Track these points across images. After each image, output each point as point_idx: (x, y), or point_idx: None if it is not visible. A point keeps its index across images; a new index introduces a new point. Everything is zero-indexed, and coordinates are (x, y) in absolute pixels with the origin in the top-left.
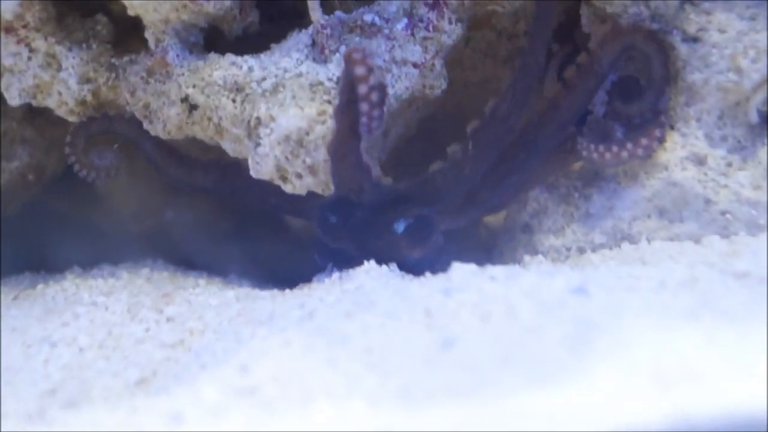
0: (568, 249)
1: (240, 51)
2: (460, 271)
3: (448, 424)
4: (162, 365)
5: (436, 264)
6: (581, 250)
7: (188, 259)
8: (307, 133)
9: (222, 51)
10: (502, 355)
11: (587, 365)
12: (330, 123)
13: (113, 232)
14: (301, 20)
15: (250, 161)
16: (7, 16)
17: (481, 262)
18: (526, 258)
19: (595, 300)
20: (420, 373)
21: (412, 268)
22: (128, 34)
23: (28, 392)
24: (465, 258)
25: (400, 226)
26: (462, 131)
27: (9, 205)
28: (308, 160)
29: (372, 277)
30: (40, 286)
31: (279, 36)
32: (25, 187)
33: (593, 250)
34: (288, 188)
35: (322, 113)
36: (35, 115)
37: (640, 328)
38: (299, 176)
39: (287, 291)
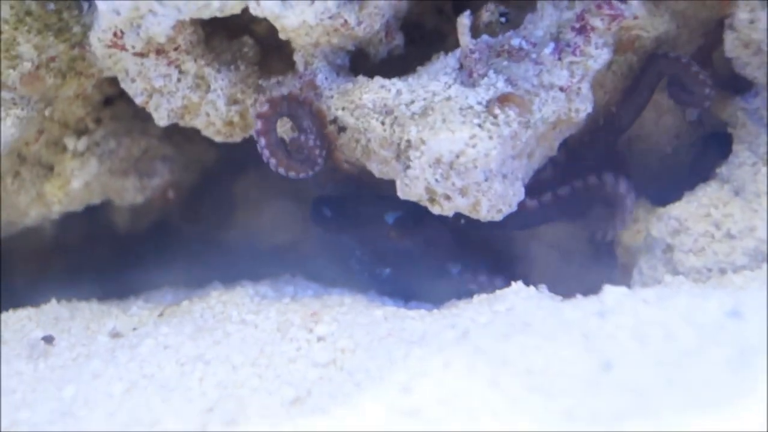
0: (709, 270)
1: (384, 73)
2: (613, 293)
3: None
4: (316, 384)
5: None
6: (722, 271)
7: (322, 274)
8: (458, 156)
9: (366, 73)
10: (664, 377)
11: (753, 387)
12: (481, 146)
13: (247, 248)
14: (443, 43)
15: (398, 183)
16: (160, 39)
17: (619, 281)
18: (667, 278)
19: (751, 323)
20: (582, 394)
21: None
22: (271, 55)
23: (186, 410)
24: (603, 278)
25: (390, 217)
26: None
27: (142, 222)
28: (459, 183)
29: (522, 298)
30: (185, 303)
31: (421, 58)
32: (165, 204)
33: (734, 272)
34: (435, 209)
35: (473, 137)
36: (173, 132)
37: None
38: (448, 198)
39: (435, 311)
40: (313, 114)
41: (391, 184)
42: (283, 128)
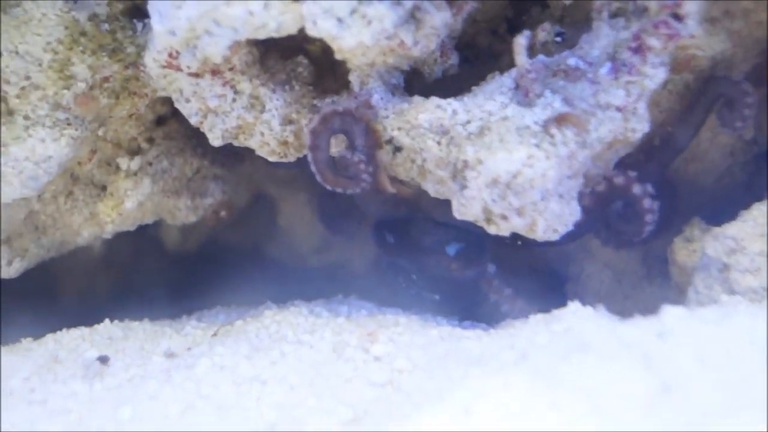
0: (765, 289)
1: (438, 92)
2: (671, 313)
3: None
4: (373, 404)
5: None
6: None
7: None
8: (515, 177)
9: (421, 92)
10: (725, 399)
11: None
12: (539, 166)
13: (295, 267)
14: (497, 61)
15: (454, 203)
16: (216, 59)
17: (674, 301)
18: (723, 298)
19: None
20: (642, 416)
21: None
22: (325, 74)
23: (244, 430)
24: (657, 297)
25: (451, 249)
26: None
27: (193, 239)
28: (516, 203)
29: (580, 318)
30: (238, 323)
31: (475, 77)
32: (217, 224)
33: None
34: (492, 230)
35: (530, 157)
36: (226, 151)
37: None
38: (505, 218)
39: (491, 331)
40: (367, 131)
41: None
42: (339, 145)
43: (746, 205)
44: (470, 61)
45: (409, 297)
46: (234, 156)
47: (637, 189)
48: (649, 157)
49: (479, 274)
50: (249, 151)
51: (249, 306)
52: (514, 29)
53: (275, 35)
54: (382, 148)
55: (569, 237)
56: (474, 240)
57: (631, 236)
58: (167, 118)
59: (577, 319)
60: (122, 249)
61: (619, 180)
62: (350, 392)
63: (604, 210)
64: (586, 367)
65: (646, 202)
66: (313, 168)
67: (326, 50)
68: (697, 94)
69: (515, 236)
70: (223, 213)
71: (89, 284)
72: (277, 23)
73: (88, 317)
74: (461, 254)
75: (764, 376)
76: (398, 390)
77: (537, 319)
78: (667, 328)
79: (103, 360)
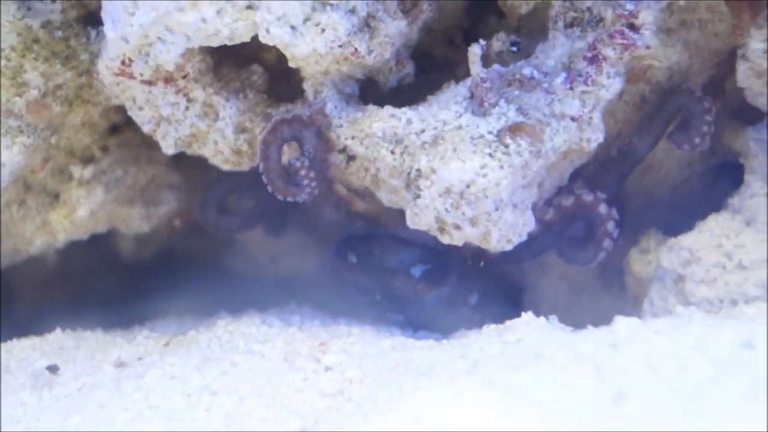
0: (721, 301)
1: (394, 102)
2: (625, 324)
3: None
4: (323, 414)
5: None
6: (734, 302)
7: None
8: (469, 186)
9: (376, 102)
10: (677, 409)
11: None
12: (492, 176)
13: (251, 277)
14: (452, 72)
15: (408, 212)
16: (169, 67)
17: (630, 312)
18: (678, 309)
19: (762, 354)
20: (595, 426)
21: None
22: (280, 83)
23: None
24: (613, 308)
25: (417, 271)
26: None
27: (149, 250)
28: (469, 212)
29: (532, 329)
30: (191, 333)
31: (431, 87)
32: (172, 232)
33: (746, 303)
34: (445, 239)
35: (484, 166)
36: (180, 160)
37: None
38: (458, 228)
39: (443, 341)
40: (319, 136)
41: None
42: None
43: (703, 217)
44: (426, 70)
45: (371, 318)
46: (190, 164)
47: (603, 209)
48: (607, 167)
49: (445, 294)
50: (204, 159)
51: (203, 315)
52: (471, 39)
53: (229, 43)
54: (333, 151)
55: (534, 252)
56: (438, 259)
57: (583, 263)
58: (121, 126)
59: (530, 329)
60: (77, 259)
61: (588, 198)
62: (300, 402)
63: (567, 226)
64: (538, 377)
65: (610, 225)
66: (264, 178)
67: (281, 59)
68: (658, 105)
69: (477, 256)
70: (177, 222)
71: (43, 294)
72: (230, 30)
73: (41, 327)
74: (427, 275)
75: (714, 385)
76: (349, 400)
77: (490, 330)
78: (619, 338)
79: (53, 369)
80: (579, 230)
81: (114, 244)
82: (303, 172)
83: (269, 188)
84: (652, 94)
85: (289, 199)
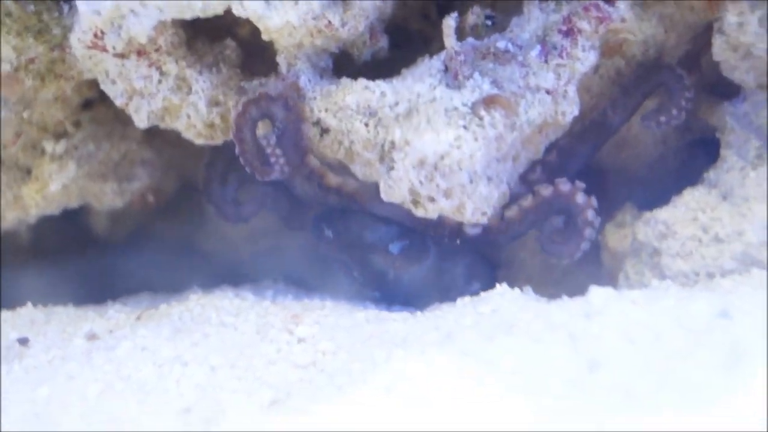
0: (697, 274)
1: (368, 76)
2: (599, 294)
3: None
4: (296, 386)
5: None
6: (710, 275)
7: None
8: (443, 158)
9: (349, 76)
10: (652, 377)
11: (742, 387)
12: (466, 148)
13: (226, 255)
14: (427, 47)
15: (381, 185)
16: (141, 39)
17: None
18: (654, 283)
19: (740, 324)
20: (569, 394)
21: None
22: (254, 58)
23: (163, 411)
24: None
25: (395, 247)
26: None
27: (123, 229)
28: (443, 184)
29: (507, 300)
30: (163, 306)
31: (406, 62)
32: (145, 209)
33: (722, 276)
34: (419, 212)
35: (458, 138)
36: (154, 136)
37: None
38: (432, 200)
39: (418, 313)
40: (287, 108)
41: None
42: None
43: (679, 192)
44: (400, 45)
45: (349, 293)
46: (163, 140)
47: (580, 198)
48: (581, 138)
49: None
50: (178, 136)
51: (176, 292)
52: (445, 14)
53: (202, 15)
54: (305, 121)
55: (510, 237)
56: (416, 236)
57: (564, 257)
58: (94, 101)
59: (505, 300)
60: (50, 236)
61: (564, 187)
62: (273, 374)
63: (544, 216)
64: (512, 347)
65: (590, 214)
66: (242, 161)
67: (255, 34)
68: (635, 79)
69: (454, 233)
70: (150, 198)
71: (16, 271)
72: (203, 3)
73: (12, 302)
74: (405, 251)
75: (689, 354)
76: (322, 371)
77: (464, 302)
78: (594, 308)
79: (23, 342)
80: (559, 224)
81: (89, 222)
82: (270, 150)
83: (248, 170)
84: (628, 68)
85: (265, 178)
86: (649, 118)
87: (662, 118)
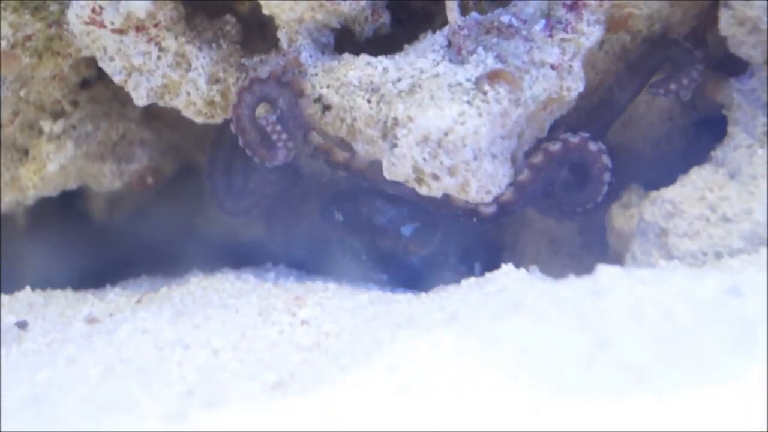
0: (705, 254)
1: (370, 53)
2: (607, 273)
3: (609, 419)
4: (299, 368)
5: None
6: (718, 255)
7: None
8: (446, 134)
9: (351, 52)
10: (661, 354)
11: (752, 363)
12: (471, 124)
13: (224, 238)
14: (430, 23)
15: (384, 162)
16: (140, 14)
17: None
18: (662, 263)
19: (750, 300)
20: (577, 371)
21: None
22: (253, 35)
23: (164, 393)
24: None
25: (407, 230)
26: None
27: (120, 210)
28: (447, 161)
29: (513, 280)
30: (163, 289)
31: (408, 38)
32: (144, 190)
33: (731, 255)
34: (423, 190)
35: (462, 114)
36: (153, 117)
37: None
38: (436, 178)
39: (422, 294)
40: (281, 86)
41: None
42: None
43: (685, 170)
44: (403, 22)
45: (355, 277)
46: (162, 121)
47: (593, 146)
48: (588, 118)
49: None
50: (177, 117)
51: (176, 276)
52: None
53: None
54: (304, 96)
55: (524, 201)
56: (427, 218)
57: (584, 203)
58: (92, 80)
59: (510, 280)
60: (48, 219)
61: (574, 139)
62: (276, 356)
63: (557, 172)
64: (519, 326)
65: (605, 158)
66: (248, 152)
67: (255, 10)
68: (641, 55)
69: (468, 213)
70: (149, 179)
71: (14, 254)
72: None
73: (11, 286)
74: (417, 234)
75: (698, 331)
76: (325, 353)
77: (470, 283)
78: (602, 286)
79: (22, 325)
80: (567, 182)
81: (87, 205)
82: (271, 131)
83: (256, 160)
84: (633, 43)
85: (274, 163)
86: (657, 86)
87: (672, 86)
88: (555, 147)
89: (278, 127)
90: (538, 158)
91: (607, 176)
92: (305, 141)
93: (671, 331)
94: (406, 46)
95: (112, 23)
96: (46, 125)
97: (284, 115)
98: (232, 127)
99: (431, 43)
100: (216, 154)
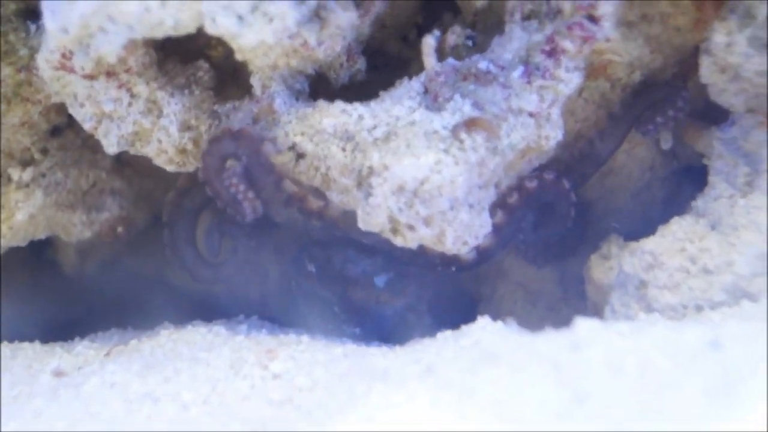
0: (685, 306)
1: (345, 99)
2: (585, 325)
3: None
4: (270, 422)
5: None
6: (699, 308)
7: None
8: (422, 183)
9: (326, 99)
10: (640, 408)
11: (733, 416)
12: (447, 173)
13: (192, 291)
14: (406, 69)
15: (359, 212)
16: (111, 59)
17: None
18: (641, 316)
19: (731, 354)
20: (554, 425)
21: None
22: (227, 81)
23: None
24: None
25: (380, 280)
26: None
27: (91, 261)
28: (423, 211)
29: (489, 332)
30: (133, 342)
31: (384, 84)
32: (114, 240)
33: (712, 308)
34: (398, 241)
35: (438, 162)
36: (124, 165)
37: None
38: (412, 228)
39: (397, 348)
40: (238, 139)
41: None
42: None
43: (665, 221)
44: (379, 68)
45: (327, 331)
46: (134, 170)
47: (566, 184)
48: (568, 169)
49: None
50: (149, 165)
51: (146, 329)
52: (425, 35)
53: (173, 33)
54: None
55: (500, 247)
56: (400, 268)
57: (556, 231)
58: (62, 128)
59: (486, 333)
60: (16, 269)
61: (549, 176)
62: (247, 410)
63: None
64: (495, 379)
65: (572, 196)
66: (228, 211)
67: (228, 56)
68: (624, 105)
69: (439, 262)
70: (120, 229)
71: None
72: (175, 20)
73: None
74: (390, 284)
75: (678, 384)
76: (297, 408)
77: (445, 335)
78: (580, 339)
79: None
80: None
81: (57, 256)
82: (235, 190)
83: (238, 218)
84: (613, 92)
85: (247, 219)
86: (645, 123)
87: (658, 119)
88: (531, 184)
89: (240, 184)
90: (513, 198)
91: (573, 210)
92: (278, 189)
93: (650, 384)
94: (381, 93)
95: (83, 68)
96: (15, 173)
97: (249, 168)
98: (207, 190)
99: (407, 89)
100: (176, 220)
